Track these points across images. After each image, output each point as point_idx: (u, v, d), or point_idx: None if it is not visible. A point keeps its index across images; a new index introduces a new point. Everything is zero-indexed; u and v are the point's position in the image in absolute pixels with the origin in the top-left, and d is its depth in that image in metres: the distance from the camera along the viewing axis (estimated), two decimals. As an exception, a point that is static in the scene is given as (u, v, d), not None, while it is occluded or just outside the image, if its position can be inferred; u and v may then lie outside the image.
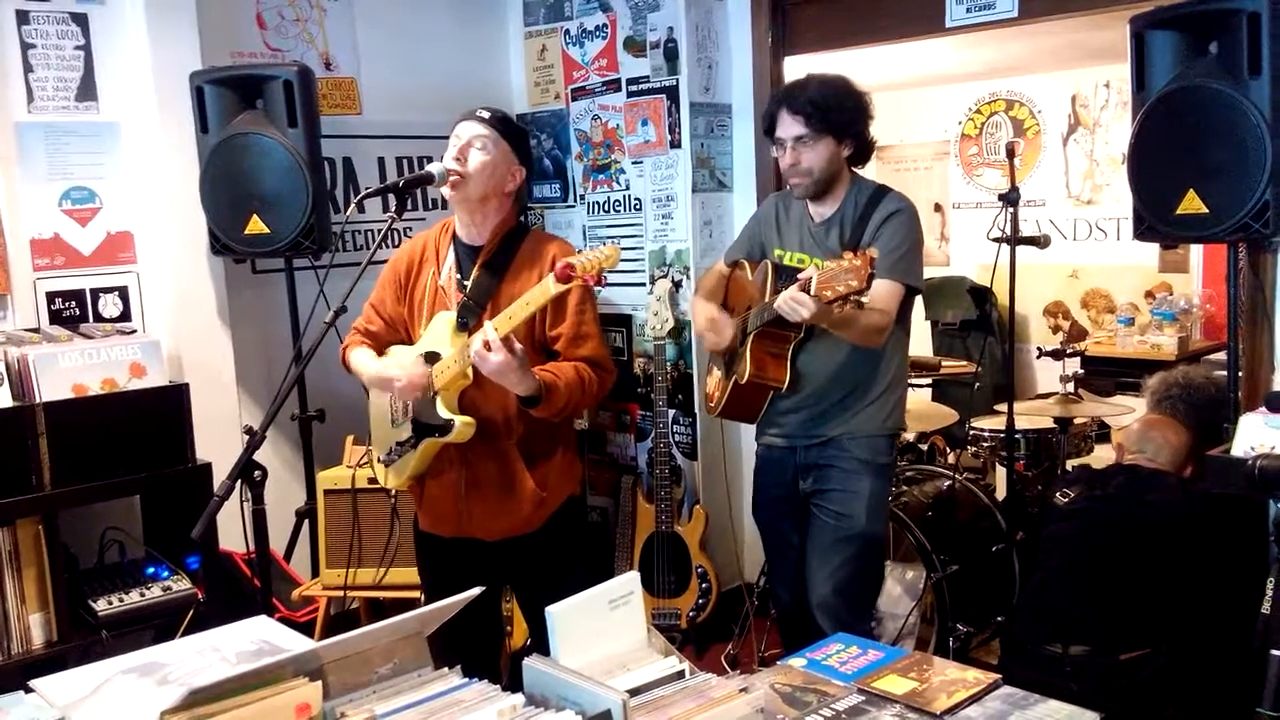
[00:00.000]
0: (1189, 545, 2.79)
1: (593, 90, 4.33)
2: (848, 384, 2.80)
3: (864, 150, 2.82)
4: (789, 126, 2.73)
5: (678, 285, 4.08)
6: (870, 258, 2.27)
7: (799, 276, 2.40)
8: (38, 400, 2.92)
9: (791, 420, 2.87)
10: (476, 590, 1.50)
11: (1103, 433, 4.22)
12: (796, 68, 4.05)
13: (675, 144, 4.07)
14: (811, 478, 2.87)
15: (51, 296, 3.40)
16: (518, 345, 2.32)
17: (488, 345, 2.29)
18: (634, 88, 4.17)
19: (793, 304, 2.38)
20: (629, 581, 1.52)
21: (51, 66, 3.36)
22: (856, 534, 2.80)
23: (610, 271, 2.27)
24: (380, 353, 2.70)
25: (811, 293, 2.33)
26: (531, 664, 1.40)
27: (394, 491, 2.77)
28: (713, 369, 3.03)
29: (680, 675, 1.47)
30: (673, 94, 4.04)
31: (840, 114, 2.72)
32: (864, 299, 2.33)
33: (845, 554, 2.80)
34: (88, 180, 3.46)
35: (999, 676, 1.62)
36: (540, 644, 1.47)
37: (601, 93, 4.30)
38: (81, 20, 3.40)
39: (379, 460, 2.70)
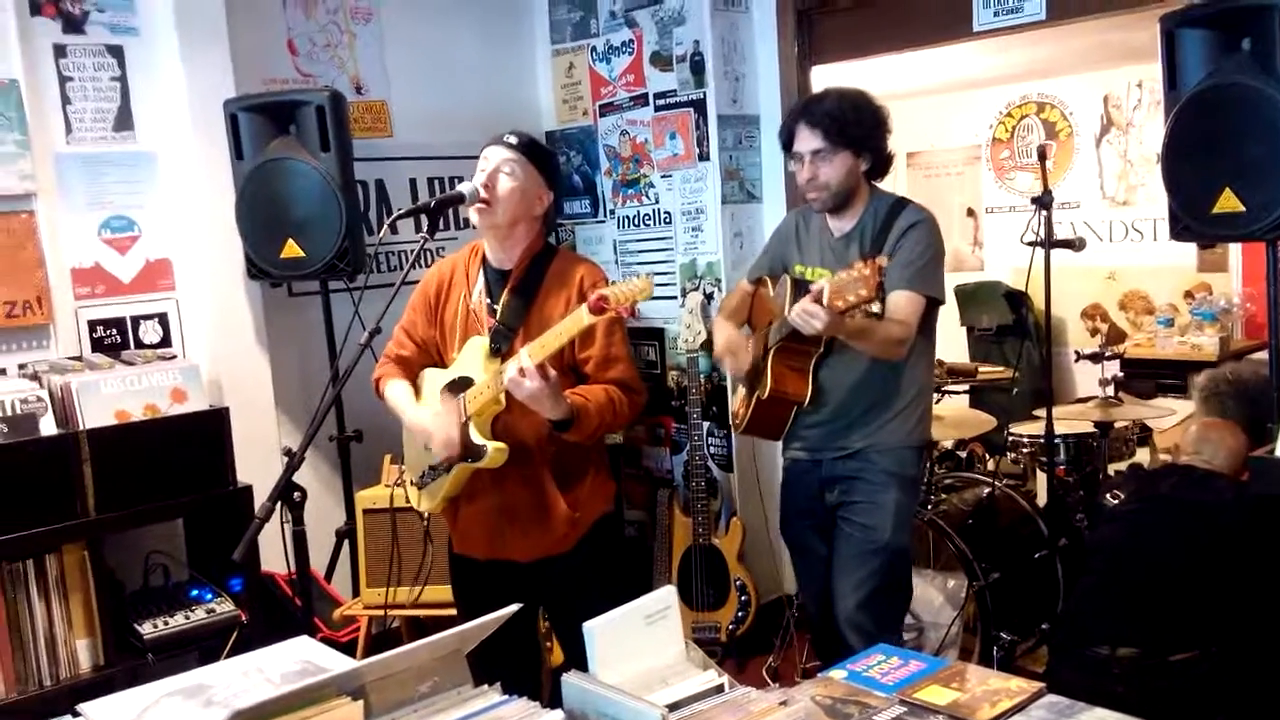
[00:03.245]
0: (1239, 547, 2.75)
1: (620, 106, 4.34)
2: (871, 397, 2.78)
3: (882, 164, 2.81)
4: (806, 140, 2.73)
5: (709, 298, 4.08)
6: (879, 266, 2.27)
7: (811, 288, 2.40)
8: (81, 427, 2.96)
9: (816, 433, 2.86)
10: (514, 607, 1.50)
11: (1144, 436, 4.17)
12: (823, 77, 4.05)
13: (704, 157, 4.07)
14: (838, 490, 2.85)
15: (93, 325, 3.45)
16: (551, 371, 2.34)
17: (523, 372, 2.30)
18: (661, 102, 4.18)
19: (805, 315, 2.38)
20: (665, 596, 1.52)
21: (89, 98, 3.43)
22: (883, 546, 2.78)
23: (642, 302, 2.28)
24: (414, 377, 2.72)
25: (824, 303, 2.33)
26: (570, 680, 1.40)
27: (427, 515, 2.79)
28: (739, 386, 3.03)
29: (719, 689, 1.46)
30: (700, 107, 4.05)
31: (858, 128, 2.72)
32: (875, 307, 2.32)
33: (871, 566, 2.78)
34: (126, 209, 3.51)
35: (1043, 685, 1.60)
36: (575, 665, 1.47)
37: (629, 108, 4.31)
38: (117, 52, 3.47)
39: (412, 483, 2.71)
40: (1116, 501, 3.05)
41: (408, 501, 2.82)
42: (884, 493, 2.79)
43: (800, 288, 2.72)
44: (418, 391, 2.72)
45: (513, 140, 2.56)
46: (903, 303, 2.65)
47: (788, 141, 2.81)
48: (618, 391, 2.51)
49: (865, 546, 2.79)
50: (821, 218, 2.87)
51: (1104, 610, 2.85)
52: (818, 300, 2.34)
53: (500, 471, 2.52)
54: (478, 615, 1.49)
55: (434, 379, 2.67)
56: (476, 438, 2.48)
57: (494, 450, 2.46)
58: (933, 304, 2.75)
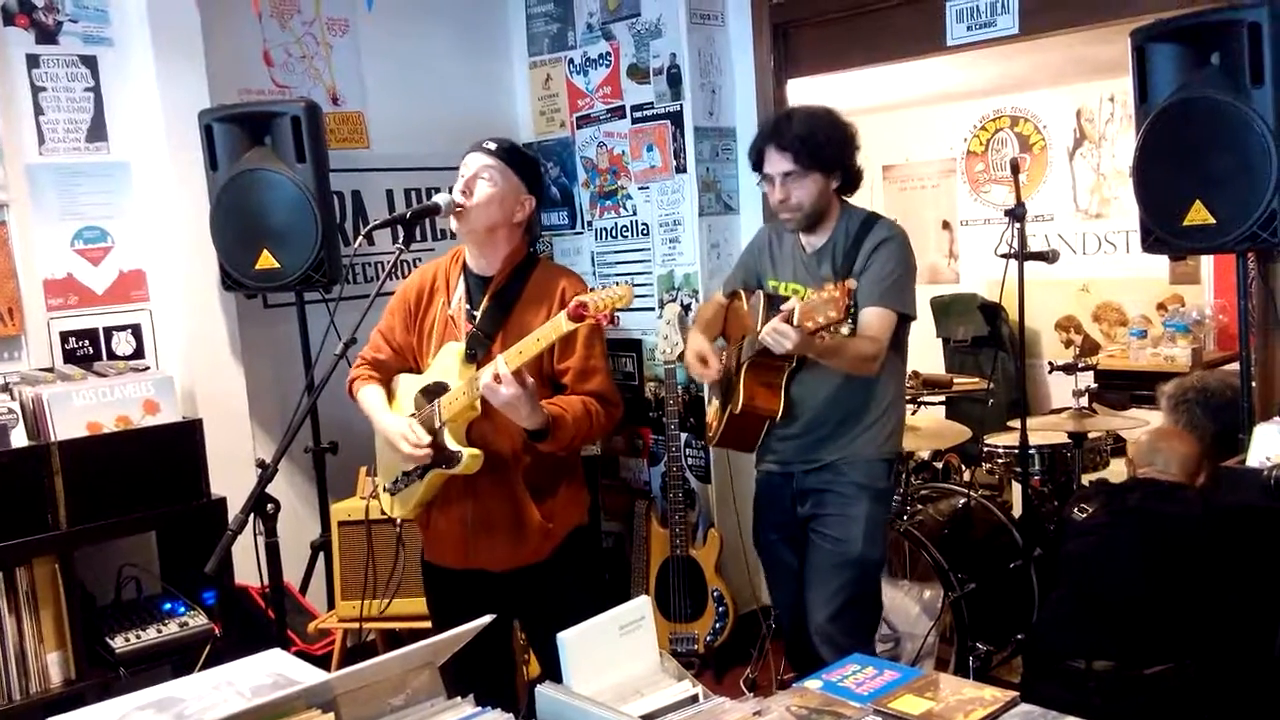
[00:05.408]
0: (1210, 557, 2.77)
1: (598, 118, 4.35)
2: (842, 411, 2.80)
3: (852, 180, 2.82)
4: (777, 163, 2.74)
5: (687, 309, 4.09)
6: (849, 289, 2.29)
7: (782, 308, 2.41)
8: (53, 439, 2.94)
9: (788, 447, 2.87)
10: (488, 618, 1.50)
11: (1118, 447, 4.20)
12: (799, 90, 4.08)
13: (681, 169, 4.08)
14: (809, 502, 2.86)
15: (65, 336, 3.42)
16: (529, 379, 2.33)
17: (498, 378, 2.29)
18: (638, 114, 4.19)
19: (776, 335, 2.39)
20: (639, 606, 1.52)
21: (62, 108, 3.41)
22: (854, 559, 2.79)
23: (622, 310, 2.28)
24: (389, 381, 2.71)
25: (794, 323, 2.34)
26: (544, 691, 1.40)
27: (399, 521, 2.77)
28: (712, 399, 3.04)
29: (694, 699, 1.46)
30: (677, 119, 4.06)
31: (828, 148, 2.73)
32: (844, 329, 2.34)
33: (842, 579, 2.79)
34: (99, 220, 3.49)
35: (1016, 694, 1.61)
36: (550, 676, 1.46)
37: (606, 120, 4.32)
38: (90, 62, 3.45)
39: (384, 489, 2.70)
40: (1084, 515, 3.06)
41: (383, 513, 2.80)
42: (855, 505, 2.79)
43: (773, 304, 2.73)
44: (391, 397, 2.70)
45: (491, 146, 2.55)
46: (873, 319, 2.67)
47: (757, 162, 2.82)
48: (595, 403, 2.51)
49: (836, 559, 2.80)
50: (794, 234, 2.88)
51: (1078, 624, 2.86)
52: (788, 320, 2.36)
53: (474, 479, 2.51)
54: (451, 625, 1.48)
55: (408, 384, 2.65)
56: (451, 444, 2.47)
57: (469, 457, 2.45)
58: (904, 320, 2.76)
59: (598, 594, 2.59)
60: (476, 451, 2.46)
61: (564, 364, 2.52)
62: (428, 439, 2.48)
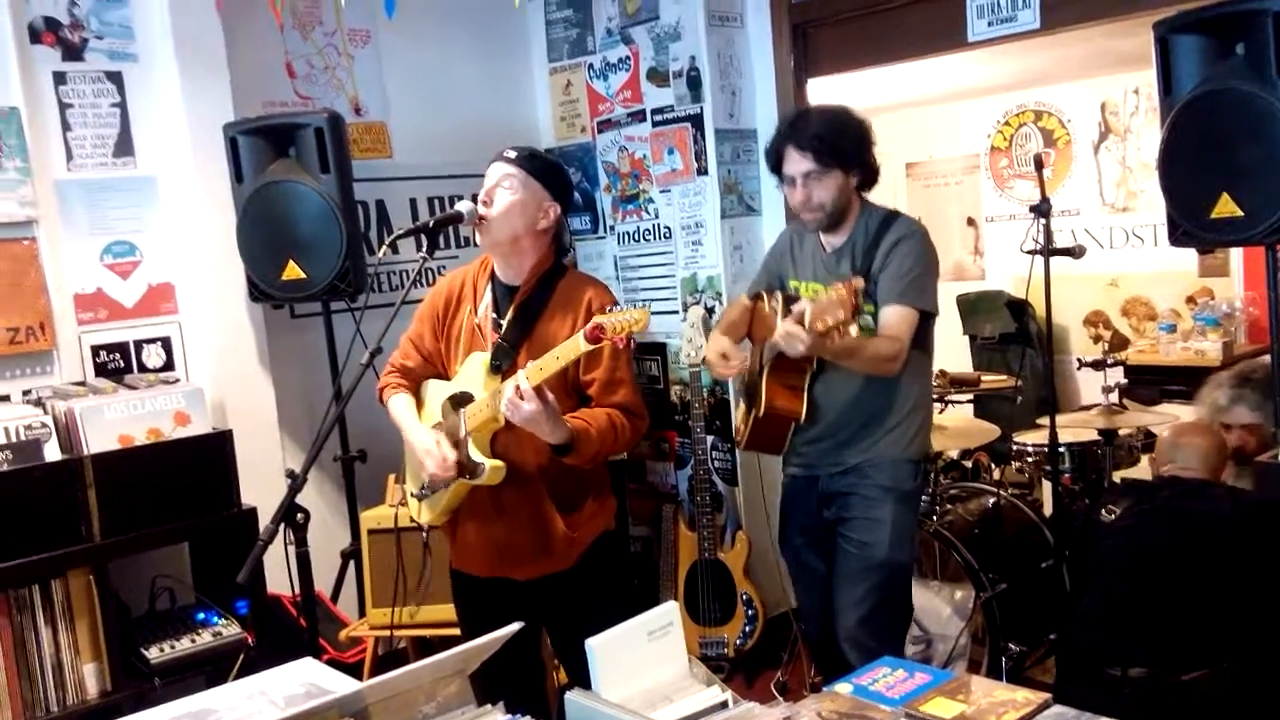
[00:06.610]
0: (1242, 555, 2.73)
1: (618, 122, 4.36)
2: (866, 412, 2.77)
3: (870, 176, 2.81)
4: (797, 163, 2.73)
5: (711, 312, 4.08)
6: (855, 288, 2.26)
7: (793, 309, 2.39)
8: (85, 452, 2.97)
9: (813, 450, 2.86)
10: (516, 626, 1.50)
11: (1149, 443, 4.16)
12: (820, 89, 4.07)
13: (702, 171, 4.08)
14: (835, 506, 2.84)
15: (96, 349, 3.46)
16: (550, 396, 2.32)
17: (521, 394, 2.29)
18: (659, 117, 4.20)
19: (788, 337, 2.37)
20: (667, 612, 1.52)
21: (89, 124, 3.45)
22: (881, 563, 2.76)
23: (639, 335, 2.27)
24: (417, 387, 2.72)
25: (806, 325, 2.32)
26: (574, 698, 1.40)
27: (426, 528, 2.78)
28: (740, 402, 3.03)
29: (724, 705, 1.46)
30: (698, 122, 4.06)
31: (847, 144, 2.72)
32: (853, 329, 2.32)
33: (870, 583, 2.77)
34: (128, 234, 3.53)
35: (1049, 696, 1.59)
36: (578, 684, 1.46)
37: (627, 124, 4.33)
38: (116, 78, 3.49)
39: (412, 495, 2.70)
40: (1112, 517, 3.02)
41: (412, 521, 2.81)
42: (880, 508, 2.77)
43: (789, 305, 2.72)
44: (420, 403, 2.71)
45: (511, 154, 2.54)
46: (893, 318, 2.65)
47: (776, 164, 2.81)
48: (620, 416, 2.49)
49: (862, 563, 2.77)
50: (815, 234, 2.87)
51: (1110, 629, 2.81)
52: (799, 322, 2.34)
53: (498, 490, 2.51)
54: (480, 632, 1.48)
55: (437, 390, 2.66)
56: (475, 455, 2.47)
57: (491, 468, 2.45)
58: (926, 317, 2.73)
59: (625, 599, 2.58)
60: (499, 463, 2.46)
61: (590, 375, 2.51)
62: (454, 458, 2.49)
